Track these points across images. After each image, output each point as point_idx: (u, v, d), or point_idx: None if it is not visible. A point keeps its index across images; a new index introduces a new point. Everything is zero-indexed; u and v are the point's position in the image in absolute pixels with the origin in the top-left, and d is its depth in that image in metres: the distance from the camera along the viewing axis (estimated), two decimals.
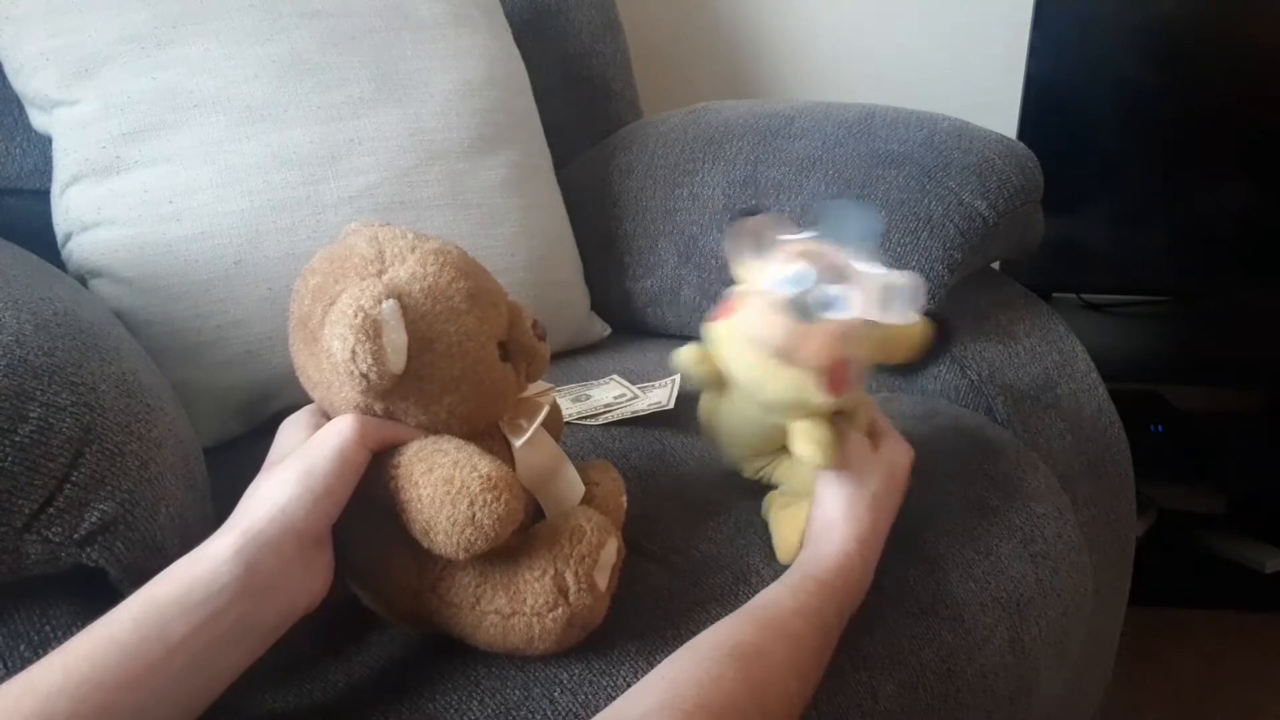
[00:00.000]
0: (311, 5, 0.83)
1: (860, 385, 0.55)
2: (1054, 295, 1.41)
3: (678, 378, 0.78)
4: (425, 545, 0.45)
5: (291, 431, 0.49)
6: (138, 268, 0.73)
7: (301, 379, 0.50)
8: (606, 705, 0.48)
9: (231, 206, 0.75)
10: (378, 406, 0.47)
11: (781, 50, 1.46)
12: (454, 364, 0.47)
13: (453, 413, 0.48)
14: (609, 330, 1.01)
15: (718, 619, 0.53)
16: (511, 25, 0.99)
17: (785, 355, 0.51)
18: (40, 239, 0.73)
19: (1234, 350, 1.35)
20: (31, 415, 0.44)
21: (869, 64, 1.46)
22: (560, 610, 0.47)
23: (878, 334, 0.54)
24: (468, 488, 0.44)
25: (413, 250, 0.48)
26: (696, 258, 0.94)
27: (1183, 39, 1.26)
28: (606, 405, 0.75)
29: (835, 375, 0.51)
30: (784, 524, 0.59)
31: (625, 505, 0.57)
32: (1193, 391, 1.50)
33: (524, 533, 0.49)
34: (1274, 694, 1.22)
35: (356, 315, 0.43)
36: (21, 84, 0.77)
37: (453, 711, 0.47)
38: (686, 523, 0.62)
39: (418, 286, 0.47)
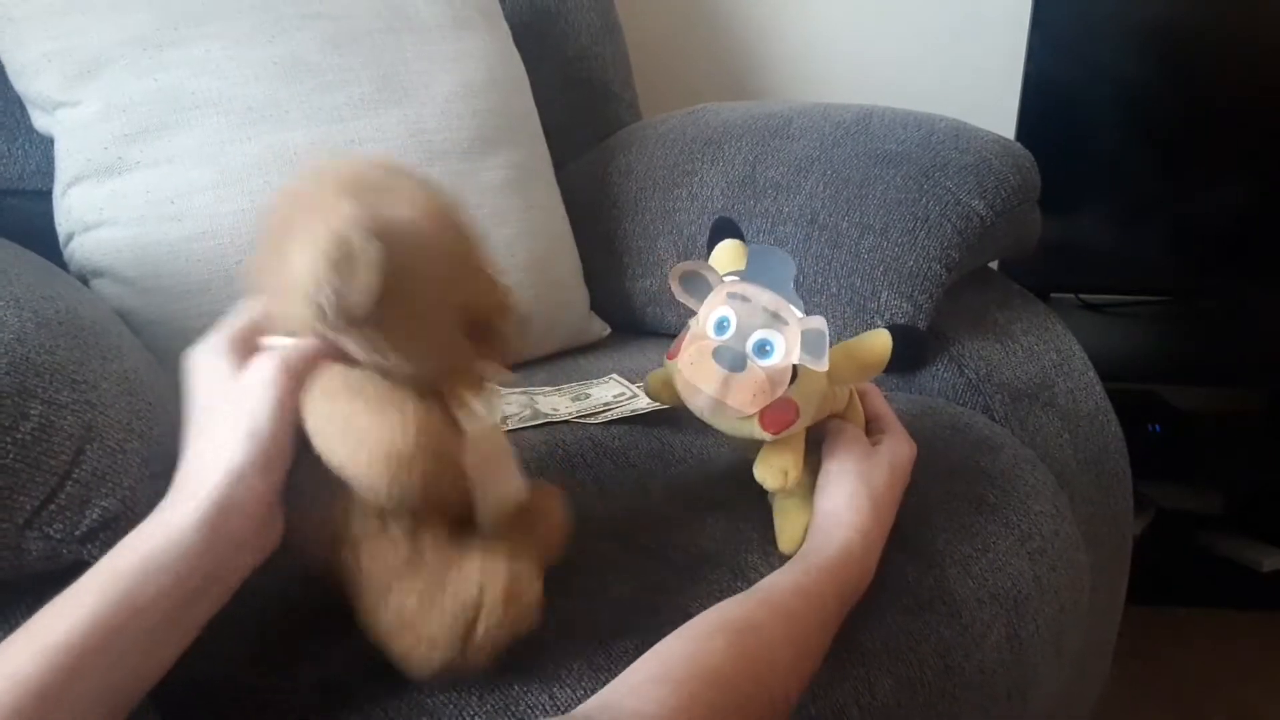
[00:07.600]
0: (312, 7, 0.83)
1: (813, 413, 0.55)
2: (1052, 295, 1.41)
3: None
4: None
5: (208, 374, 0.46)
6: (139, 268, 0.74)
7: (254, 273, 0.46)
8: None
9: (233, 207, 0.75)
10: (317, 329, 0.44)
11: (779, 52, 1.47)
12: (417, 328, 0.44)
13: (394, 365, 0.45)
14: (608, 330, 1.01)
15: None
16: (511, 27, 0.99)
17: (718, 404, 0.52)
18: (42, 239, 0.74)
19: (1233, 350, 1.36)
20: (33, 413, 0.44)
21: (867, 65, 1.46)
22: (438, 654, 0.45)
23: (843, 361, 0.56)
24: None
25: (417, 191, 0.45)
26: (695, 257, 0.94)
27: (1182, 39, 1.26)
28: (606, 404, 0.75)
29: (769, 417, 0.52)
30: (789, 515, 0.59)
31: (563, 531, 0.52)
32: (1192, 391, 1.50)
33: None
34: (1273, 693, 1.23)
35: (338, 245, 0.40)
36: (24, 85, 0.78)
37: (451, 707, 0.48)
38: (685, 520, 0.62)
39: (410, 234, 0.43)
